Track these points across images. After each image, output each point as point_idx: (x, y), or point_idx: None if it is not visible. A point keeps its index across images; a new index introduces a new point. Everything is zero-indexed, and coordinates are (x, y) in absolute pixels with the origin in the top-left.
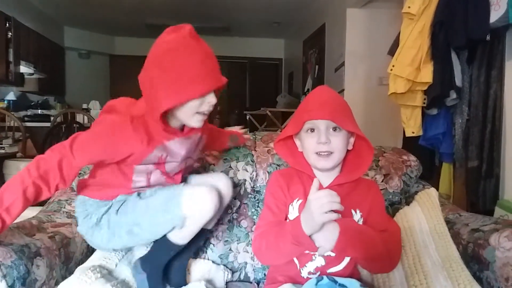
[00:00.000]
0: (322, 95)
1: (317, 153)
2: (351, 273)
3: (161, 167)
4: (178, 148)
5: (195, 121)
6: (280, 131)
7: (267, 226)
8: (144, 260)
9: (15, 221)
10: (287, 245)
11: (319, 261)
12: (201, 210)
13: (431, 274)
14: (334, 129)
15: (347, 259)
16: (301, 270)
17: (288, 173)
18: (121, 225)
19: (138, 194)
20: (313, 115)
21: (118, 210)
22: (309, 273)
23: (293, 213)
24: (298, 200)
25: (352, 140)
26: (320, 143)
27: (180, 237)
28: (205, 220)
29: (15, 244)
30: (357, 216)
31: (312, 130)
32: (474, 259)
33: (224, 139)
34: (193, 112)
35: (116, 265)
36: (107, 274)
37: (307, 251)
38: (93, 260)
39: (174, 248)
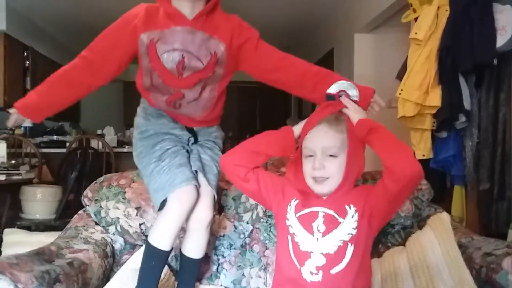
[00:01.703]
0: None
1: (313, 177)
2: (357, 273)
3: (158, 64)
4: (173, 36)
5: None
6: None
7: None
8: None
9: (35, 248)
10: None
11: (319, 260)
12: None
13: None
14: (331, 155)
15: (348, 257)
16: (302, 270)
17: (294, 167)
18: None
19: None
20: (308, 142)
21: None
22: (311, 273)
23: (290, 213)
24: (295, 200)
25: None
26: (315, 168)
27: (157, 237)
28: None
29: (36, 270)
30: (351, 211)
31: (311, 155)
32: (488, 283)
33: (313, 84)
34: None
35: None
36: None
37: (303, 249)
38: (110, 286)
39: (156, 254)
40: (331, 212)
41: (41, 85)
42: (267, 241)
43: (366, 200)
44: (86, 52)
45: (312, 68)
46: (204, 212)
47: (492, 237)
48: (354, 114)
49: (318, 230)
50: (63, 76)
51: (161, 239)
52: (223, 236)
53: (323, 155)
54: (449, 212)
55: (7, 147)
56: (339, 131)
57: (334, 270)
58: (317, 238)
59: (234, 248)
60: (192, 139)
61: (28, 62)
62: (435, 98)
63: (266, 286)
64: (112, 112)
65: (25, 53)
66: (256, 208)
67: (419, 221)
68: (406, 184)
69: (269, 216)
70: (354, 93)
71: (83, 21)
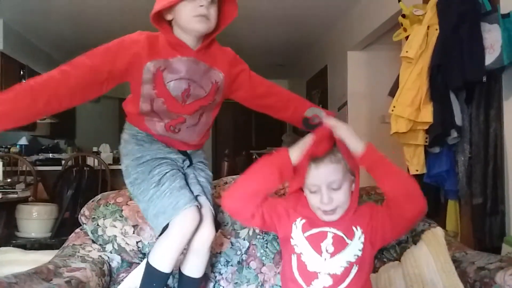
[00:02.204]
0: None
1: (322, 210)
2: None
3: (163, 91)
4: (179, 65)
5: (196, 23)
6: None
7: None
8: None
9: (33, 267)
10: (262, 169)
11: (326, 280)
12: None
13: None
14: (335, 188)
15: (351, 277)
16: None
17: (295, 196)
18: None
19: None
20: (311, 179)
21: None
22: None
23: (296, 232)
24: (301, 220)
25: (353, 186)
26: (323, 203)
27: (159, 259)
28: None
29: None
30: (358, 232)
31: (315, 190)
32: None
33: (294, 107)
34: (190, 16)
35: None
36: None
37: (310, 269)
38: None
39: (157, 276)
40: (339, 233)
41: (5, 92)
42: (263, 258)
43: (370, 220)
44: (68, 67)
45: (292, 94)
46: (208, 233)
47: (487, 251)
48: (345, 131)
49: (327, 251)
50: (34, 87)
51: (163, 261)
52: (220, 253)
53: (328, 189)
54: (444, 226)
55: (3, 165)
56: (338, 161)
57: None
58: (325, 259)
59: (231, 265)
60: (187, 162)
61: (24, 81)
62: (427, 115)
63: None
64: (107, 129)
65: (21, 72)
66: None
67: (414, 236)
68: (412, 220)
69: (266, 232)
70: (323, 115)
71: (79, 40)
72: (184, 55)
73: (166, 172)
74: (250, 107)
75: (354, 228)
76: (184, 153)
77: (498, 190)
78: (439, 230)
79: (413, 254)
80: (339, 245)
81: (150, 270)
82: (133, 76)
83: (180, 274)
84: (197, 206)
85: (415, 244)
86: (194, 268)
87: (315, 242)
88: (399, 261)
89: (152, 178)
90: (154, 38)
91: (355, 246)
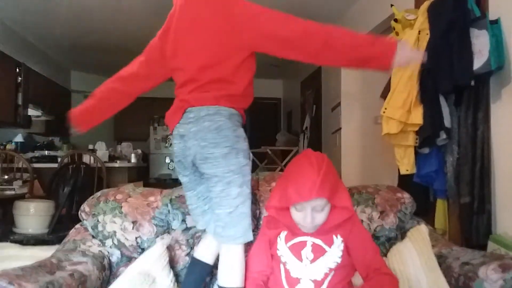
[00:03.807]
0: (307, 173)
1: (303, 226)
2: None
3: None
4: None
5: None
6: (280, 169)
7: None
8: None
9: (31, 262)
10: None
11: (307, 285)
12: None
13: None
14: (319, 209)
15: (327, 280)
16: None
17: (275, 221)
18: None
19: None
20: (299, 197)
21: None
22: None
23: (280, 243)
24: (284, 232)
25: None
26: (306, 222)
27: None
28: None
29: (41, 281)
30: (337, 240)
31: (300, 209)
32: None
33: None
34: None
35: None
36: None
37: (293, 275)
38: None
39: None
40: (318, 241)
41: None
42: None
43: (350, 234)
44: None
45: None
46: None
47: (473, 248)
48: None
49: (307, 258)
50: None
51: (240, 279)
52: None
53: (313, 210)
54: (433, 225)
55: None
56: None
57: None
58: (306, 265)
59: None
60: None
61: (20, 78)
62: (417, 116)
63: None
64: (102, 127)
65: (17, 70)
66: None
67: (403, 233)
68: None
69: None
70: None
71: (76, 39)
72: None
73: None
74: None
75: (334, 237)
76: None
77: (485, 189)
78: (423, 227)
79: (398, 251)
80: (318, 253)
81: None
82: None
83: (193, 258)
84: None
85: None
86: (207, 255)
87: (296, 250)
88: (386, 257)
89: (248, 188)
90: None
91: (334, 253)
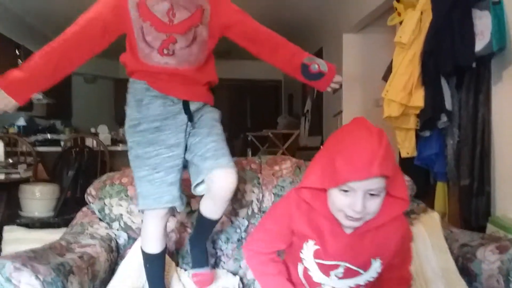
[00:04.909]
0: (365, 143)
1: (347, 215)
2: None
3: (148, 14)
4: None
5: None
6: (282, 152)
7: (258, 256)
8: None
9: (37, 245)
10: None
11: None
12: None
13: (431, 281)
14: (372, 194)
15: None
16: None
17: (307, 207)
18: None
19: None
20: (353, 174)
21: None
22: None
23: (307, 253)
24: (314, 245)
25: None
26: (353, 210)
27: (146, 245)
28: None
29: (52, 263)
30: (376, 264)
31: (347, 191)
32: (464, 272)
33: (292, 53)
34: None
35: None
36: None
37: (316, 280)
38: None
39: (151, 258)
40: (353, 267)
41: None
42: None
43: (395, 251)
44: (69, 28)
45: (289, 42)
46: (226, 183)
47: (473, 230)
48: None
49: (336, 276)
50: (46, 50)
51: (150, 246)
52: (221, 231)
53: (365, 195)
54: (432, 207)
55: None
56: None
57: None
58: (332, 279)
59: (231, 242)
60: (189, 124)
61: (20, 61)
62: (418, 99)
63: None
64: (103, 110)
65: (17, 52)
66: (251, 205)
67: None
68: None
69: (263, 212)
70: (322, 63)
71: (76, 19)
72: None
73: (166, 161)
74: (246, 48)
75: (373, 261)
76: (186, 108)
77: (485, 172)
78: (436, 215)
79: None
80: (350, 274)
81: (144, 255)
82: (123, 18)
83: (199, 214)
84: (177, 205)
85: (411, 224)
86: (210, 211)
87: (325, 269)
88: None
89: (149, 159)
90: None
91: (369, 275)
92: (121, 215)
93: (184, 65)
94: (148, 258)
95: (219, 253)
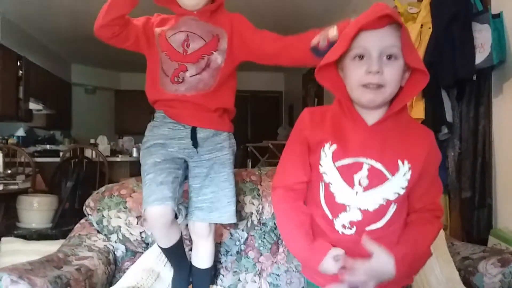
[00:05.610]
0: (377, 5)
1: (364, 85)
2: (393, 232)
3: (165, 45)
4: (179, 23)
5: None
6: None
7: (286, 203)
8: None
9: (33, 256)
10: (297, 251)
11: (354, 215)
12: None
13: None
14: (389, 57)
15: (387, 217)
16: (334, 221)
17: (321, 110)
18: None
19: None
20: (361, 41)
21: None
22: (343, 226)
23: (326, 160)
24: (331, 145)
25: (406, 75)
26: (370, 73)
27: (157, 241)
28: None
29: (49, 275)
30: (404, 168)
31: (361, 57)
32: (466, 285)
33: (306, 44)
34: None
35: None
36: None
37: (339, 200)
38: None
39: (166, 251)
40: (378, 165)
41: None
42: (261, 248)
43: (425, 161)
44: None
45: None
46: (199, 227)
47: (474, 243)
48: None
49: (360, 184)
50: None
51: (160, 242)
52: (220, 243)
53: (381, 56)
54: None
55: (2, 156)
56: (397, 29)
57: (369, 228)
58: (357, 192)
59: (231, 255)
60: (194, 152)
61: (21, 72)
62: (419, 111)
63: None
64: (103, 120)
65: (18, 63)
66: (251, 217)
67: None
68: None
69: (263, 224)
70: (329, 31)
71: (77, 32)
72: (185, 15)
73: (157, 162)
74: (267, 64)
75: (399, 162)
76: (193, 135)
77: (486, 184)
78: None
79: None
80: (376, 180)
81: (161, 250)
82: (149, 40)
83: (191, 265)
84: (170, 206)
85: None
86: (198, 259)
87: (347, 173)
88: None
89: (145, 165)
90: (166, 16)
91: (397, 183)
92: (120, 227)
93: (192, 91)
94: (163, 250)
95: (218, 265)
